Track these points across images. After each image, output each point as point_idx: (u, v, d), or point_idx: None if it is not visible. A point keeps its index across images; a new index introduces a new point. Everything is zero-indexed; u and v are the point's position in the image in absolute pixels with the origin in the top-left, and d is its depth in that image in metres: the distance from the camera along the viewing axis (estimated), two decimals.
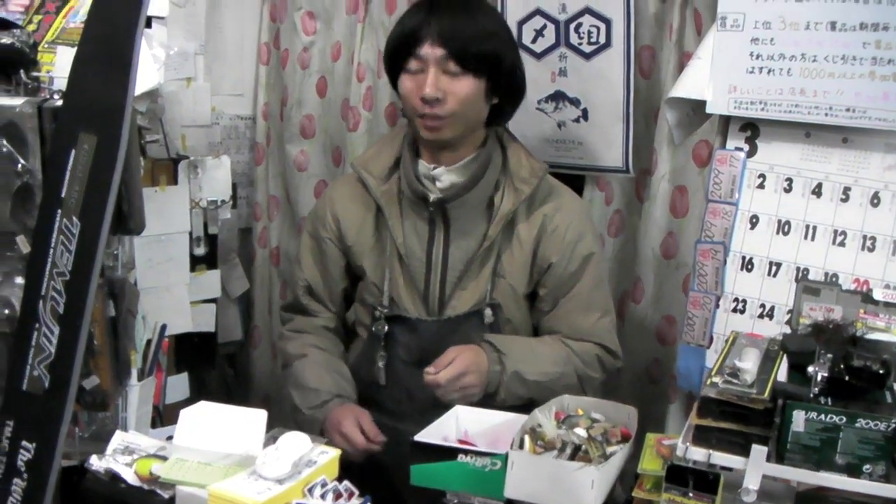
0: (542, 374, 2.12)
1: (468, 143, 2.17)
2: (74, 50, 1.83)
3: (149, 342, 2.30)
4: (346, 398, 2.22)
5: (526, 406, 1.90)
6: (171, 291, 2.63)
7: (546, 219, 2.18)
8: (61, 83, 1.91)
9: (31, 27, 2.16)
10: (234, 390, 3.47)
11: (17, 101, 1.87)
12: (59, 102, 1.85)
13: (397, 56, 2.13)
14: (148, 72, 2.10)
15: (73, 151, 1.72)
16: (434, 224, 2.19)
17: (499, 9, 2.65)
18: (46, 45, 2.13)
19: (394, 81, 2.20)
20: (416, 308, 2.21)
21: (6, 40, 1.96)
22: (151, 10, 1.98)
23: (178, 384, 2.70)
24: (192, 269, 2.76)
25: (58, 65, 2.06)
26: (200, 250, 2.84)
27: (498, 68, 2.12)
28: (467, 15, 2.09)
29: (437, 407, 2.10)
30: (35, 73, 2.00)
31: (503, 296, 2.18)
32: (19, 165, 1.86)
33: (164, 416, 2.48)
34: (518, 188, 2.15)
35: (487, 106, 2.16)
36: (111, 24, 1.74)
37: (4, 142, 1.86)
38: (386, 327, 2.21)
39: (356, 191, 2.28)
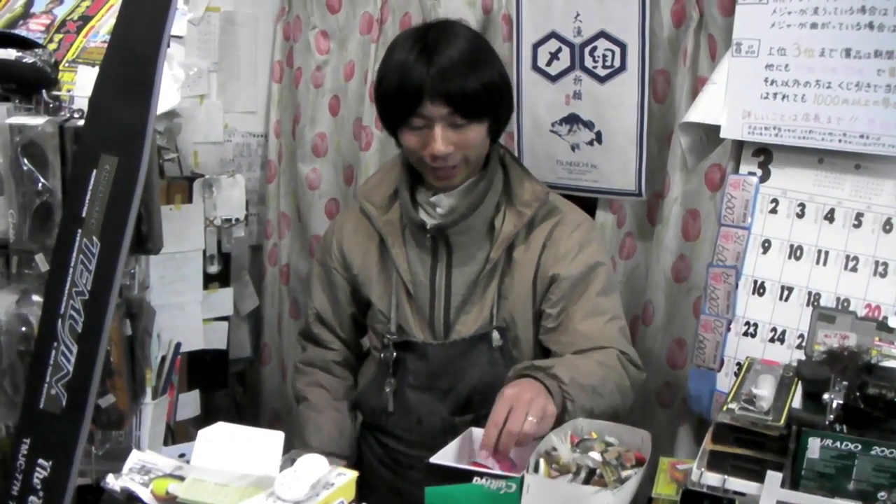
0: (591, 376, 1.95)
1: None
2: (95, 69, 1.85)
3: (162, 360, 2.31)
4: (338, 457, 2.19)
5: None
6: (185, 309, 2.64)
7: (546, 236, 2.17)
8: (82, 102, 1.93)
9: (52, 46, 2.18)
10: (244, 407, 3.48)
11: (38, 121, 1.89)
12: (81, 122, 1.86)
13: (396, 111, 2.08)
14: (167, 92, 2.11)
15: (95, 172, 1.73)
16: (436, 250, 2.18)
17: (513, 32, 2.67)
18: (67, 65, 2.15)
19: (389, 127, 2.16)
20: (423, 334, 2.21)
21: (28, 60, 1.99)
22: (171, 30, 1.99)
23: (190, 402, 2.72)
24: (205, 286, 2.77)
25: (78, 84, 2.07)
26: (213, 268, 2.85)
27: (500, 108, 2.12)
28: (468, 66, 2.02)
29: (446, 432, 2.11)
30: (56, 93, 2.01)
31: (509, 317, 2.17)
32: (40, 184, 1.88)
33: (175, 433, 2.49)
34: (520, 211, 2.14)
35: (489, 138, 2.14)
36: (133, 46, 1.76)
37: (25, 161, 1.88)
38: (394, 354, 2.21)
39: (360, 221, 2.29)
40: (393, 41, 2.18)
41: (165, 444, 2.35)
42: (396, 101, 2.06)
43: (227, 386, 3.22)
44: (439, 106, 2.01)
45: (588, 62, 2.54)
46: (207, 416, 2.80)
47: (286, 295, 3.42)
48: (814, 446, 1.44)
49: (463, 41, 2.06)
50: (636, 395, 2.12)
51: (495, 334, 2.16)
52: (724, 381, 2.14)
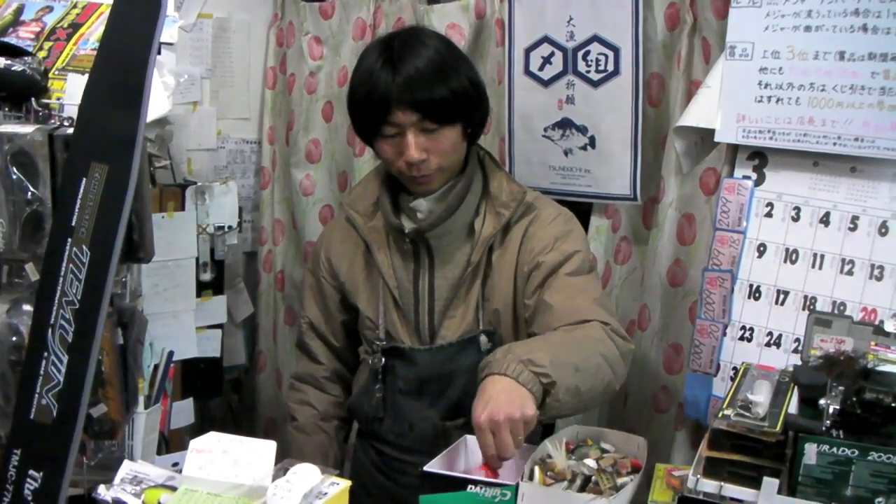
0: (573, 353, 1.87)
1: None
2: (85, 77, 1.83)
3: (155, 368, 2.30)
4: None
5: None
6: (178, 317, 2.64)
7: (522, 234, 2.16)
8: (72, 110, 1.92)
9: (42, 54, 2.16)
10: (239, 415, 3.47)
11: (28, 129, 1.88)
12: (70, 130, 1.85)
13: (368, 121, 2.09)
14: (158, 99, 2.09)
15: (84, 181, 1.72)
16: (418, 255, 2.19)
17: (506, 36, 2.66)
18: (57, 72, 2.13)
19: (363, 137, 2.17)
20: (410, 340, 2.21)
21: (17, 67, 1.97)
22: (162, 37, 1.98)
23: (184, 410, 2.71)
24: (198, 294, 2.76)
25: (68, 92, 2.06)
26: (207, 276, 2.85)
27: (472, 112, 2.12)
28: (434, 74, 2.02)
29: (437, 437, 2.11)
30: (46, 101, 2.00)
31: (494, 320, 2.16)
32: (29, 193, 1.87)
33: (169, 442, 2.48)
34: (499, 212, 2.14)
35: (465, 141, 2.14)
36: (123, 54, 1.74)
37: (15, 169, 1.86)
38: (382, 360, 2.21)
39: (347, 229, 2.29)
40: (362, 52, 2.18)
41: (159, 453, 2.34)
42: (366, 110, 2.07)
43: (222, 394, 3.22)
44: (408, 113, 2.01)
45: (581, 66, 2.54)
46: (203, 425, 2.79)
47: (281, 302, 3.42)
48: (810, 452, 1.43)
49: (429, 50, 2.06)
50: (628, 371, 2.03)
51: (483, 338, 2.15)
52: (721, 386, 2.13)
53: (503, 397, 1.72)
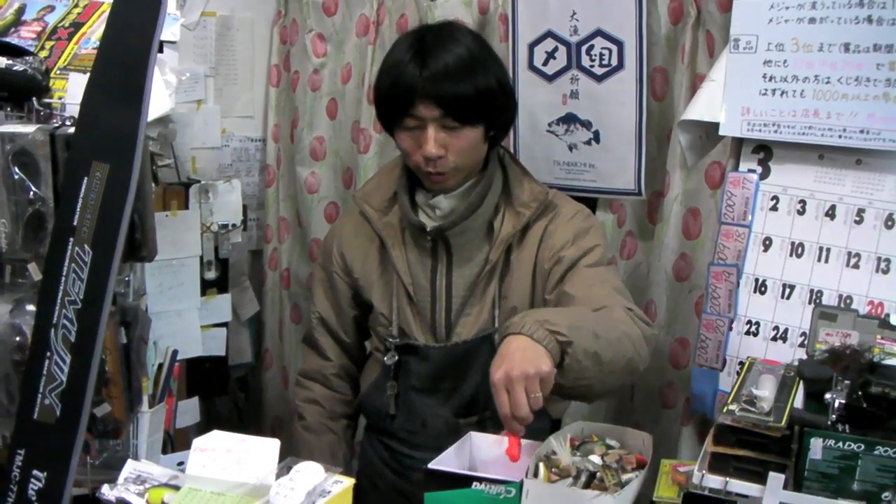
0: (592, 321, 1.85)
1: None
2: (87, 76, 1.83)
3: (160, 367, 2.29)
4: None
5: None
6: (182, 316, 2.62)
7: (542, 232, 2.15)
8: (73, 109, 1.92)
9: (44, 53, 2.17)
10: (246, 414, 3.47)
11: (29, 129, 1.88)
12: (72, 130, 1.85)
13: (391, 111, 2.08)
14: (160, 97, 2.09)
15: (86, 180, 1.72)
16: (436, 252, 2.18)
17: (510, 31, 2.66)
18: (58, 72, 2.13)
19: (386, 127, 2.16)
20: (424, 337, 2.20)
21: (19, 67, 1.98)
22: (163, 35, 1.98)
23: (189, 409, 2.70)
24: (203, 293, 2.75)
25: (70, 91, 2.06)
26: (211, 274, 2.84)
27: (497, 113, 2.11)
28: (461, 71, 2.01)
29: (450, 434, 2.10)
30: (47, 100, 2.00)
31: (510, 318, 2.15)
32: (31, 193, 1.87)
33: (175, 441, 2.47)
34: (519, 212, 2.14)
35: (486, 142, 2.13)
36: (124, 52, 1.74)
37: (16, 169, 1.87)
38: (396, 357, 2.20)
39: (360, 224, 2.28)
40: (394, 42, 2.18)
41: (165, 452, 2.33)
42: (390, 100, 2.07)
43: (227, 392, 3.21)
44: (431, 107, 2.00)
45: (585, 61, 2.53)
46: (209, 423, 2.78)
47: (287, 300, 3.41)
48: (816, 447, 1.42)
49: (460, 46, 2.04)
50: (651, 355, 1.99)
51: (498, 336, 2.13)
52: (727, 381, 2.13)
53: (518, 355, 1.71)
